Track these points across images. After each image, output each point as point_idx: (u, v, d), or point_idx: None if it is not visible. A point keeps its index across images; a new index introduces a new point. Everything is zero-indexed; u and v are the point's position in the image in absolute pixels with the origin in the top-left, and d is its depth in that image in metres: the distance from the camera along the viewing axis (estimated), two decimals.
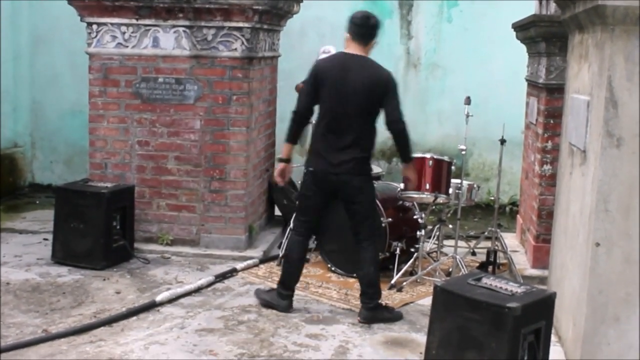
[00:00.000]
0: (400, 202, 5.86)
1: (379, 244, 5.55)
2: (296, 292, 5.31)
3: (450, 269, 5.68)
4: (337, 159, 4.72)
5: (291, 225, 5.36)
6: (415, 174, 5.19)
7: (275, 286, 5.06)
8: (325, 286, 5.50)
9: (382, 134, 4.87)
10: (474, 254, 6.33)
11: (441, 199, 5.57)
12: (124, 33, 6.03)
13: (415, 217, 5.79)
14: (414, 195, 5.57)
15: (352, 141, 4.71)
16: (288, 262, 5.05)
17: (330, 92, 4.72)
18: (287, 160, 4.97)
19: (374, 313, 4.84)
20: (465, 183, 5.74)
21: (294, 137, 4.91)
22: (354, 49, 4.76)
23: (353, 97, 4.67)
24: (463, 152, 5.65)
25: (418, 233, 5.60)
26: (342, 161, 4.71)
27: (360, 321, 4.80)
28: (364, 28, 4.76)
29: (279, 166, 5.02)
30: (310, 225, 5.00)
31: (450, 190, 5.59)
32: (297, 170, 6.82)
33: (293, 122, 4.87)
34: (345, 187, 4.77)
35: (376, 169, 6.48)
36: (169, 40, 6.01)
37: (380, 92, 4.70)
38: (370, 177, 4.94)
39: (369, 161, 4.86)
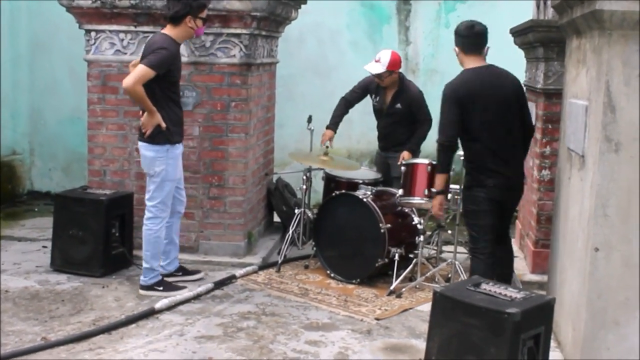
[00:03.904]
0: (399, 208, 5.85)
1: (378, 250, 5.57)
2: (295, 298, 5.32)
3: (450, 275, 5.67)
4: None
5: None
6: None
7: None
8: (324, 292, 5.49)
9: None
10: None
11: None
12: (122, 40, 6.03)
13: (414, 223, 5.78)
14: (413, 201, 5.57)
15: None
16: None
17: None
18: (444, 192, 5.05)
19: None
20: None
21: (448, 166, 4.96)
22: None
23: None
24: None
25: (417, 239, 5.60)
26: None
27: None
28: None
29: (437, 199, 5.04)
30: None
31: (449, 196, 5.58)
32: (298, 176, 6.86)
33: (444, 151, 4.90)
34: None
35: (374, 174, 6.49)
36: None
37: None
38: None
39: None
